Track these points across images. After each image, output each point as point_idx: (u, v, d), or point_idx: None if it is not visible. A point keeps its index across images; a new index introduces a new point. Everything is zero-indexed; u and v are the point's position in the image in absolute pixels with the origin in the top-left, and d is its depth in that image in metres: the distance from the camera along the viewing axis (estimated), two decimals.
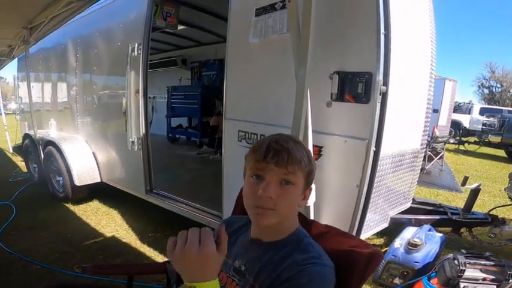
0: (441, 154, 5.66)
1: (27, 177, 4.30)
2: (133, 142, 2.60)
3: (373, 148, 1.42)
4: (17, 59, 4.99)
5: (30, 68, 3.93)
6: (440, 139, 5.80)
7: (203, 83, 5.42)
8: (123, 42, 2.69)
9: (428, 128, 2.27)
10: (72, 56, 3.50)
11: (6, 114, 6.65)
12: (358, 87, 1.37)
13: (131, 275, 1.15)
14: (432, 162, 5.40)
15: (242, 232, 0.86)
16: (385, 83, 1.38)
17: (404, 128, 1.90)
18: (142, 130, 2.60)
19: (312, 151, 1.39)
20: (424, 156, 4.91)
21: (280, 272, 0.70)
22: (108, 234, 2.63)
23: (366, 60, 1.40)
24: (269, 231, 0.78)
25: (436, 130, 6.37)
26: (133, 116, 2.60)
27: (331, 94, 1.45)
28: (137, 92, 2.58)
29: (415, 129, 2.10)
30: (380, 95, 1.36)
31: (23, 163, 4.70)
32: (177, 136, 5.69)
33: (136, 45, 2.52)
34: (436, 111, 7.84)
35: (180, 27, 4.23)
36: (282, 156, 0.70)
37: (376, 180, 1.61)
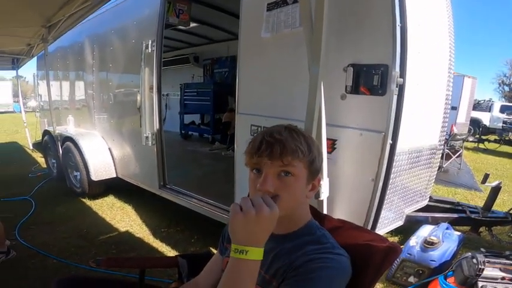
0: (459, 152, 5.48)
1: (46, 172, 4.43)
2: (147, 137, 2.64)
3: (389, 141, 1.38)
4: (36, 57, 5.16)
5: (49, 66, 4.05)
6: (458, 137, 5.62)
7: (215, 80, 5.45)
8: (137, 40, 2.72)
9: (447, 125, 2.20)
10: (89, 54, 3.58)
11: (26, 112, 6.89)
12: (374, 79, 1.34)
13: (143, 268, 1.14)
14: (450, 161, 5.24)
15: None
16: (402, 75, 1.35)
17: (421, 124, 1.84)
18: (156, 126, 2.64)
19: (325, 144, 1.37)
20: (442, 155, 4.78)
21: (292, 261, 0.69)
22: (122, 229, 2.68)
23: (382, 52, 1.36)
24: (279, 224, 0.76)
25: (454, 128, 6.19)
26: (147, 112, 2.63)
27: (346, 87, 1.42)
28: (151, 88, 2.62)
29: (433, 125, 2.04)
30: (397, 87, 1.32)
31: (42, 159, 4.86)
32: (190, 133, 5.74)
33: (150, 42, 2.55)
34: (454, 108, 7.62)
35: (192, 24, 4.26)
36: (275, 148, 0.69)
37: (392, 176, 1.57)
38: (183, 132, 5.62)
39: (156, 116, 2.64)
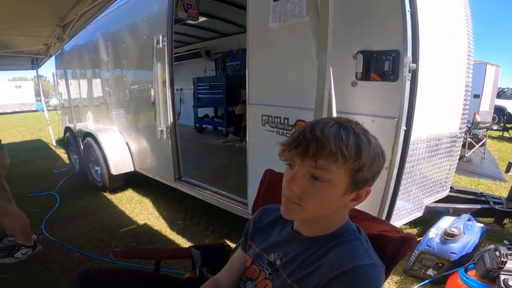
0: (483, 141, 5.23)
1: (69, 168, 4.61)
2: (162, 131, 2.68)
3: (403, 127, 1.33)
4: (54, 57, 5.33)
5: (66, 64, 4.18)
6: (482, 125, 5.36)
7: (227, 73, 5.45)
8: (148, 35, 2.75)
9: (467, 112, 2.10)
10: (104, 51, 3.65)
11: (48, 110, 7.14)
12: (385, 65, 1.29)
13: (158, 259, 1.17)
14: (473, 150, 5.00)
15: (281, 223, 0.79)
16: (415, 60, 1.29)
17: (440, 111, 1.76)
18: (170, 119, 2.68)
19: None
20: (464, 144, 4.58)
21: (320, 272, 0.62)
22: (141, 222, 2.76)
23: (392, 38, 1.31)
24: (309, 225, 0.71)
25: (477, 116, 5.92)
26: (161, 106, 2.67)
27: (356, 73, 1.38)
28: (164, 82, 2.65)
29: (453, 113, 1.95)
30: (409, 72, 1.27)
31: (65, 155, 5.05)
32: (204, 126, 5.80)
33: (160, 37, 2.57)
34: (477, 96, 7.28)
35: (202, 18, 4.27)
36: (309, 147, 0.59)
37: (409, 165, 1.52)
38: (197, 125, 5.68)
39: (169, 110, 2.68)
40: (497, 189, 3.56)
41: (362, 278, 0.58)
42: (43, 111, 7.32)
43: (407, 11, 1.26)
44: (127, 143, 3.47)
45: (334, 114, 1.27)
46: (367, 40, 1.37)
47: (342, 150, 0.58)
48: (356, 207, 0.82)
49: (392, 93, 1.32)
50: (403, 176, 1.50)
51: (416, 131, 1.45)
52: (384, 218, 1.46)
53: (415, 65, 1.28)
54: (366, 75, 1.35)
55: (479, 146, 5.11)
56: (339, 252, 0.64)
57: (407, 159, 1.46)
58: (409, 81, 1.30)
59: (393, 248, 0.74)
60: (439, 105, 1.72)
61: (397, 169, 1.41)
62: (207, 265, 1.14)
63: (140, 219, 2.82)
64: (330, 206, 0.65)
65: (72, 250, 2.24)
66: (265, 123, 1.86)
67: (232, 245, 1.45)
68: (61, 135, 5.60)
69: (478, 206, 2.11)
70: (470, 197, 2.26)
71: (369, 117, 1.39)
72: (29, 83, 19.65)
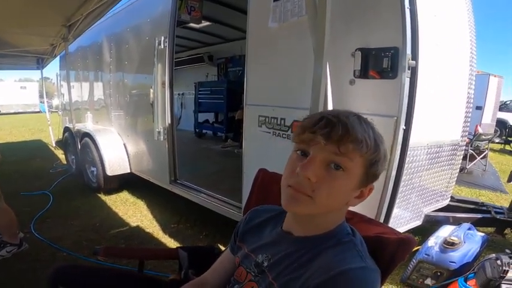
0: (485, 153, 5.19)
1: (66, 168, 4.58)
2: (159, 132, 2.66)
3: (402, 126, 1.30)
4: (59, 57, 5.37)
5: (69, 64, 4.21)
6: (483, 137, 5.32)
7: (229, 78, 5.46)
8: (151, 37, 2.76)
9: (469, 120, 2.07)
10: (107, 52, 3.68)
11: (51, 112, 7.15)
12: (383, 62, 1.27)
13: (142, 259, 1.12)
14: (474, 162, 4.96)
15: (272, 224, 0.75)
16: (414, 57, 1.27)
17: (441, 117, 1.74)
18: (168, 120, 2.66)
19: None
20: (465, 156, 4.54)
21: (308, 277, 0.57)
22: (133, 224, 2.71)
23: (391, 36, 1.29)
24: (303, 223, 0.65)
25: (479, 128, 5.88)
26: (159, 107, 2.66)
27: (354, 71, 1.36)
28: (163, 84, 2.64)
29: (454, 120, 1.92)
30: (409, 69, 1.25)
31: (64, 156, 5.03)
32: (204, 131, 5.78)
33: (162, 39, 2.57)
34: (479, 108, 7.25)
35: (205, 23, 4.30)
36: (336, 129, 0.55)
37: (408, 171, 1.49)
38: (197, 130, 5.66)
39: (168, 111, 2.66)
40: (498, 201, 3.50)
41: (352, 282, 0.53)
42: (44, 112, 7.35)
43: (406, 7, 1.25)
44: (124, 144, 3.45)
45: None
46: (366, 37, 1.35)
47: (365, 139, 0.56)
48: (353, 209, 0.78)
49: (391, 91, 1.29)
50: (402, 183, 1.46)
51: (417, 136, 1.41)
52: (381, 220, 1.41)
53: (414, 62, 1.26)
54: (364, 73, 1.32)
55: (481, 158, 5.06)
56: (330, 255, 0.59)
57: (405, 165, 1.42)
58: (409, 79, 1.27)
59: (391, 250, 0.69)
60: (440, 111, 1.70)
61: (395, 171, 1.37)
62: (194, 267, 1.09)
63: (133, 221, 2.77)
64: (340, 199, 0.60)
65: (59, 250, 2.18)
66: (262, 124, 1.83)
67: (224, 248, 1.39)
68: (61, 136, 5.60)
69: (479, 216, 2.06)
70: (471, 206, 2.20)
71: (367, 116, 1.35)
72: (34, 84, 19.82)
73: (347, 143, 0.55)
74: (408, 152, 1.41)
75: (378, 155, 0.59)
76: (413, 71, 1.27)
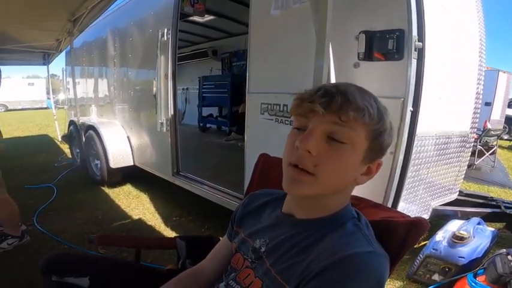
0: (494, 149, 5.09)
1: (71, 162, 4.61)
2: (162, 123, 2.64)
3: (410, 108, 1.25)
4: (64, 52, 5.38)
5: (75, 58, 4.22)
6: (492, 132, 5.22)
7: (233, 72, 5.41)
8: (154, 29, 2.74)
9: (478, 113, 2.01)
10: (111, 46, 3.67)
11: (58, 108, 7.19)
12: (389, 43, 1.22)
13: (139, 248, 1.08)
14: (483, 158, 4.89)
15: (272, 206, 0.71)
16: (421, 39, 1.22)
17: (449, 106, 1.68)
18: (171, 112, 2.63)
19: None
20: (474, 152, 4.46)
21: (310, 262, 0.52)
22: (136, 217, 2.70)
23: (396, 18, 1.25)
24: (306, 205, 0.61)
25: (488, 123, 5.77)
26: (162, 99, 2.64)
27: (358, 54, 1.31)
28: (166, 75, 2.61)
29: (463, 110, 1.85)
30: (415, 50, 1.20)
31: (69, 150, 5.06)
32: (208, 125, 5.75)
33: (165, 31, 2.55)
34: (488, 104, 7.09)
35: (210, 17, 4.26)
36: (335, 99, 0.51)
37: (416, 162, 1.44)
38: (201, 124, 5.64)
39: (170, 103, 2.64)
40: (507, 197, 3.41)
41: (359, 267, 0.49)
42: (50, 108, 7.41)
43: None
44: (128, 137, 3.45)
45: None
46: (370, 20, 1.31)
47: (367, 107, 0.53)
48: (358, 194, 0.73)
49: (397, 73, 1.24)
50: (409, 174, 1.41)
51: (425, 124, 1.36)
52: (389, 206, 1.36)
53: (421, 43, 1.21)
54: (368, 55, 1.28)
55: (490, 154, 4.98)
56: (334, 238, 0.55)
57: (412, 155, 1.37)
58: (416, 60, 1.23)
59: (401, 234, 0.64)
60: (448, 101, 1.64)
61: (403, 155, 1.31)
62: (192, 257, 1.06)
63: (135, 214, 2.76)
64: (346, 175, 0.56)
65: (60, 242, 2.17)
66: (264, 112, 1.80)
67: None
68: (67, 130, 5.63)
69: (489, 210, 1.99)
70: (480, 200, 2.14)
71: None
72: (42, 81, 19.99)
73: (348, 111, 0.52)
74: (416, 142, 1.36)
75: (382, 125, 0.55)
76: (420, 53, 1.23)
